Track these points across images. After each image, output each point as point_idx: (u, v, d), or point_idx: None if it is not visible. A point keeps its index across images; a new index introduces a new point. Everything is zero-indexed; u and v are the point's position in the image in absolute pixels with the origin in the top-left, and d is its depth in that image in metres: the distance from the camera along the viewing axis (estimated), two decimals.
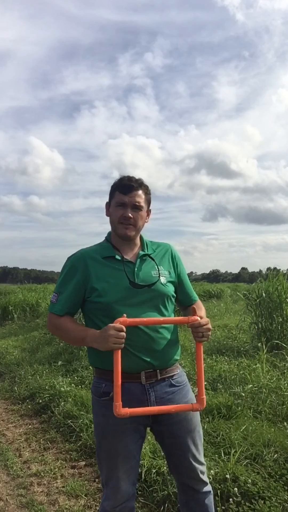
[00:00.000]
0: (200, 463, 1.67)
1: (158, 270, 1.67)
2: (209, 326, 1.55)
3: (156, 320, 1.54)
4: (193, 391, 1.68)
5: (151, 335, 1.56)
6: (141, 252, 1.70)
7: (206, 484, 1.70)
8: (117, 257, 1.64)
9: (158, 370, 1.59)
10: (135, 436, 1.59)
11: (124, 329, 1.44)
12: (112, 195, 1.69)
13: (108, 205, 1.73)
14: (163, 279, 1.65)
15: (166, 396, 1.60)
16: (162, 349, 1.59)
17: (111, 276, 1.59)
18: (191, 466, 1.63)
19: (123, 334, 1.43)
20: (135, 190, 1.64)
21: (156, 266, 1.67)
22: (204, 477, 1.69)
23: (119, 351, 1.44)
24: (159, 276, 1.64)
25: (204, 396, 1.53)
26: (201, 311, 1.74)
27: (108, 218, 1.74)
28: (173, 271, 1.74)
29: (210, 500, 1.71)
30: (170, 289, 1.68)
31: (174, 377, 1.65)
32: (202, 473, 1.67)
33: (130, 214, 1.63)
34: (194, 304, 1.81)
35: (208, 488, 1.71)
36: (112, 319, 1.48)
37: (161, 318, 1.56)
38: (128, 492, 1.61)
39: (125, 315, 1.48)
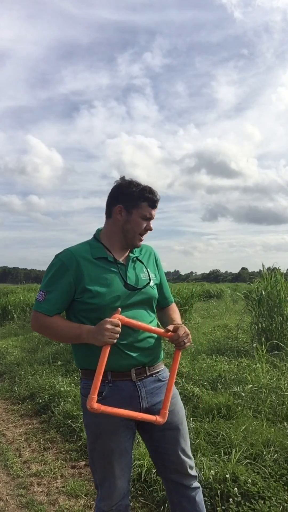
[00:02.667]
0: (189, 457, 1.70)
1: (148, 273, 1.71)
2: (189, 337, 1.60)
3: (147, 328, 1.57)
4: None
5: (141, 333, 1.60)
6: (132, 255, 1.72)
7: (195, 478, 1.72)
8: (110, 258, 1.64)
9: (147, 367, 1.63)
10: (128, 433, 1.60)
11: (120, 324, 1.45)
12: (137, 204, 1.63)
13: (123, 209, 1.65)
14: (151, 282, 1.70)
15: (155, 390, 1.64)
16: (151, 347, 1.64)
17: (105, 277, 1.59)
18: (180, 459, 1.66)
19: (119, 329, 1.44)
20: (157, 205, 1.69)
21: (145, 269, 1.72)
22: (193, 472, 1.71)
23: (109, 346, 1.44)
24: (149, 279, 1.69)
25: (167, 411, 1.55)
26: (176, 315, 1.82)
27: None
28: (158, 273, 1.80)
29: (200, 497, 1.73)
30: (156, 291, 1.74)
31: (159, 373, 1.69)
32: (191, 467, 1.70)
33: (151, 227, 1.69)
34: (170, 307, 1.87)
35: (197, 483, 1.73)
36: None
37: (152, 327, 1.59)
38: (124, 489, 1.62)
39: (119, 309, 1.49)
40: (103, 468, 1.60)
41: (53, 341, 6.78)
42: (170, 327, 1.59)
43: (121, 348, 1.55)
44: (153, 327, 1.59)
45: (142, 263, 1.73)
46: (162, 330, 1.61)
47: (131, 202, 1.64)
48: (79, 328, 1.54)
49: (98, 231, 1.74)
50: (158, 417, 1.54)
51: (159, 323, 1.79)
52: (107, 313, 1.51)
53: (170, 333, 1.58)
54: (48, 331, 1.62)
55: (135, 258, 1.72)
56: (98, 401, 1.45)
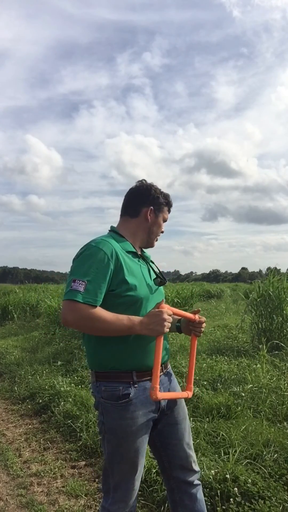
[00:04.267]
0: (193, 451, 1.75)
1: (160, 271, 1.81)
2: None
3: (184, 314, 1.68)
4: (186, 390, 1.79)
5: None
6: (146, 254, 1.82)
7: (197, 474, 1.75)
8: (137, 253, 1.71)
9: (163, 365, 1.69)
10: (148, 434, 1.63)
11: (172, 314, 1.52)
12: (162, 209, 1.77)
13: (153, 211, 1.74)
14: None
15: (168, 385, 1.72)
16: (166, 344, 1.71)
17: (139, 271, 1.64)
18: (185, 454, 1.70)
19: (171, 318, 1.51)
20: None
21: (156, 268, 1.81)
22: (196, 467, 1.75)
23: (162, 336, 1.48)
24: (162, 277, 1.78)
25: (192, 386, 1.74)
26: None
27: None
28: None
29: (201, 495, 1.76)
30: None
31: (169, 369, 1.78)
32: (195, 462, 1.74)
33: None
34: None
35: (198, 480, 1.76)
36: (137, 314, 1.53)
37: (183, 312, 1.69)
38: (137, 490, 1.65)
39: (164, 299, 1.55)
40: (124, 471, 1.59)
41: (55, 342, 6.77)
42: (197, 310, 1.77)
43: (149, 346, 1.56)
44: (182, 312, 1.69)
45: (153, 262, 1.83)
46: (190, 314, 1.74)
47: (159, 205, 1.76)
48: (130, 320, 1.48)
49: (113, 227, 1.77)
50: (189, 392, 1.71)
51: None
52: (142, 307, 1.56)
53: (197, 315, 1.73)
54: (91, 324, 1.47)
55: (146, 258, 1.82)
56: (124, 404, 1.52)
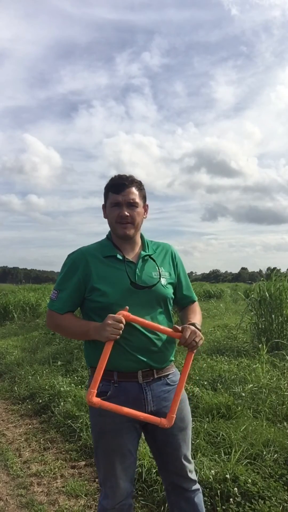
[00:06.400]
0: (189, 462, 1.69)
1: (159, 271, 1.66)
2: (198, 334, 1.53)
3: (155, 326, 1.54)
4: (188, 388, 1.67)
5: (149, 335, 1.57)
6: (143, 253, 1.69)
7: (195, 482, 1.72)
8: (119, 256, 1.64)
9: (154, 369, 1.61)
10: (132, 434, 1.60)
11: (124, 321, 1.45)
12: (106, 196, 1.69)
13: (104, 207, 1.72)
14: (163, 281, 1.66)
15: (162, 394, 1.62)
16: (159, 350, 1.60)
17: (112, 276, 1.59)
18: (181, 464, 1.66)
19: (122, 325, 1.44)
20: (127, 188, 1.64)
21: (157, 267, 1.67)
22: (193, 476, 1.71)
23: (112, 342, 1.45)
24: (159, 278, 1.65)
25: (174, 415, 1.50)
26: (195, 315, 1.74)
27: (106, 220, 1.74)
28: (174, 272, 1.75)
29: (199, 499, 1.73)
30: (170, 291, 1.69)
31: (169, 376, 1.66)
32: (191, 471, 1.70)
33: (126, 213, 1.62)
34: (189, 307, 1.81)
35: (197, 486, 1.73)
36: None
37: (161, 326, 1.55)
38: (126, 489, 1.62)
39: (127, 307, 1.49)
40: (106, 468, 1.60)
41: (55, 342, 6.77)
42: (179, 327, 1.54)
43: (127, 349, 1.54)
44: (160, 326, 1.55)
45: (154, 261, 1.69)
46: (170, 330, 1.55)
47: (104, 197, 1.71)
48: (87, 325, 1.57)
49: (110, 232, 1.75)
50: (164, 420, 1.49)
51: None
52: (115, 311, 1.50)
53: (178, 333, 1.52)
54: (60, 329, 1.67)
55: (146, 256, 1.69)
56: (102, 400, 1.45)
